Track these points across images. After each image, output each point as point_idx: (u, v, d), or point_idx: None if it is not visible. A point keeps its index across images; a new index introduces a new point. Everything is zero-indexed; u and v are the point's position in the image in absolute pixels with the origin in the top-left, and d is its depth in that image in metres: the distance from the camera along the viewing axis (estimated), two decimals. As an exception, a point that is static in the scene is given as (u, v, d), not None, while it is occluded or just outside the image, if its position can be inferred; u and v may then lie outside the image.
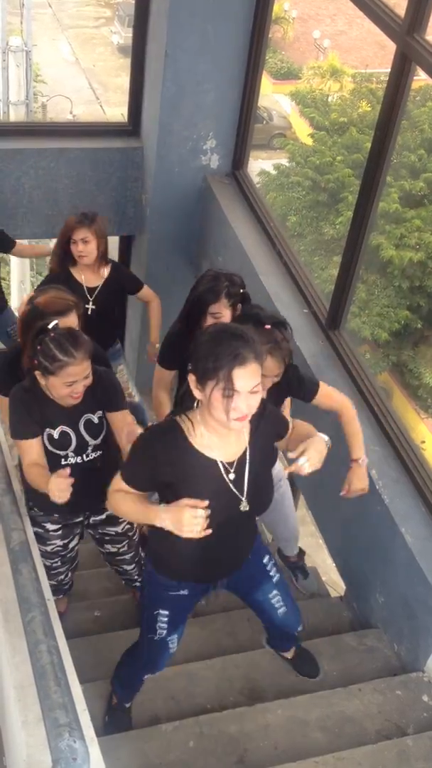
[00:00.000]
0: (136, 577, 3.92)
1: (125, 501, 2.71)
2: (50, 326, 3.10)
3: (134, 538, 3.76)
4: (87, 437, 3.31)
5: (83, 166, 5.61)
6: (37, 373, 3.12)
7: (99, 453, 3.36)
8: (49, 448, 3.28)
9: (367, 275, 15.55)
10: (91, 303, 4.49)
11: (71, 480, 3.00)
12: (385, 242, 15.41)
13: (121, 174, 5.71)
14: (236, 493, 2.66)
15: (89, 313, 4.40)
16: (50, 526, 3.50)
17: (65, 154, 5.55)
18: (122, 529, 3.67)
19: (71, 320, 3.39)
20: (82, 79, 24.97)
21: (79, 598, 4.27)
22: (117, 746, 3.29)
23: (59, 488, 2.98)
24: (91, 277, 4.52)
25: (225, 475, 2.63)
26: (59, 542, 3.56)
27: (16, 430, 3.24)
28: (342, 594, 4.43)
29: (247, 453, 2.66)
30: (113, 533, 3.67)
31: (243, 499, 2.67)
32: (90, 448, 3.33)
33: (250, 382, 2.42)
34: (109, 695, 3.53)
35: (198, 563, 2.82)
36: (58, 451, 3.30)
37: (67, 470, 3.03)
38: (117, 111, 19.19)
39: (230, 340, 2.43)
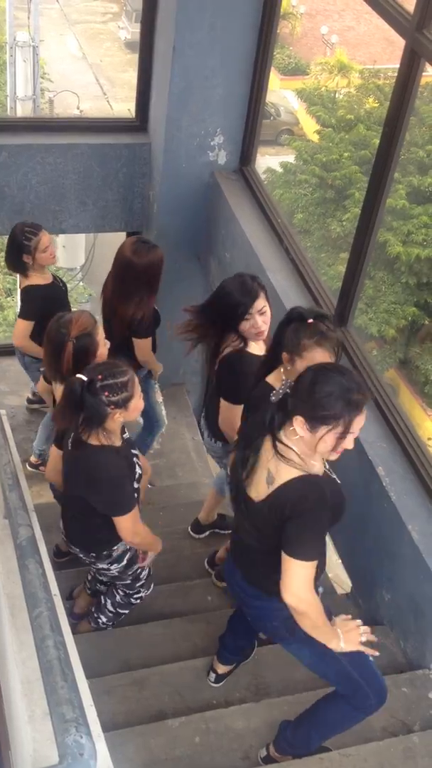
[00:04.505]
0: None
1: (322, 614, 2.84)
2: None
3: None
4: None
5: (90, 161, 5.60)
6: None
7: None
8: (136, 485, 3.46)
9: (374, 272, 15.53)
10: None
11: None
12: (392, 239, 15.40)
13: (129, 170, 5.70)
14: None
15: None
16: None
17: (72, 149, 5.54)
18: None
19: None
20: (90, 74, 24.95)
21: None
22: (123, 742, 3.30)
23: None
24: None
25: None
26: None
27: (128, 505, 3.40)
28: (348, 591, 4.43)
29: None
30: None
31: None
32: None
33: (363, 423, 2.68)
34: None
35: None
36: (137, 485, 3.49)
37: None
38: (124, 106, 19.19)
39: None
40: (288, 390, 2.74)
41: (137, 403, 3.26)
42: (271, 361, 3.39)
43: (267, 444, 2.77)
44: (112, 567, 3.62)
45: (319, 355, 3.20)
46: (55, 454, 3.67)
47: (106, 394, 3.14)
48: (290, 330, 3.26)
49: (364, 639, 2.92)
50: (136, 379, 3.28)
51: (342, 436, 2.64)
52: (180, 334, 3.91)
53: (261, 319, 3.70)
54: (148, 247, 4.31)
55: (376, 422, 4.04)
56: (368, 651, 2.94)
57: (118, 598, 3.88)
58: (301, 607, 2.74)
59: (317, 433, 2.64)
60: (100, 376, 3.16)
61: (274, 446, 2.72)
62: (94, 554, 3.56)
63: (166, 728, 3.42)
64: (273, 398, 2.82)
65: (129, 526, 3.37)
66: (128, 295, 4.33)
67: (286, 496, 2.71)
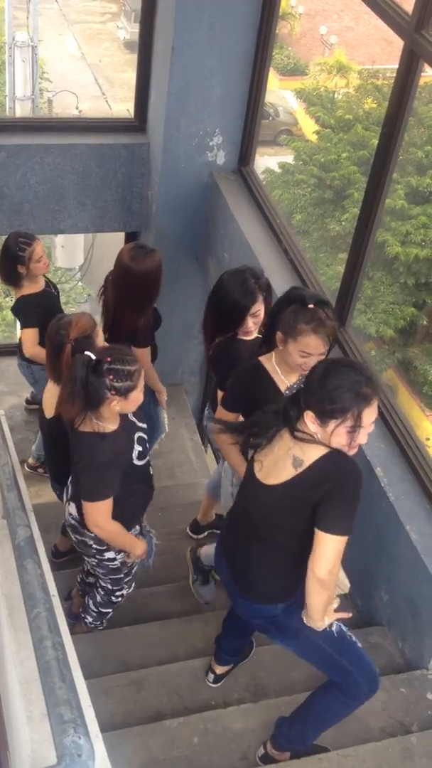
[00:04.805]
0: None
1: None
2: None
3: None
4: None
5: (89, 161, 5.60)
6: None
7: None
8: (137, 463, 3.43)
9: (372, 272, 15.54)
10: None
11: None
12: (390, 239, 15.41)
13: (127, 170, 5.70)
14: None
15: None
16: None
17: (71, 149, 5.54)
18: None
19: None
20: (88, 74, 24.92)
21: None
22: (121, 742, 3.30)
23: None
24: None
25: None
26: None
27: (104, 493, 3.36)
28: (346, 591, 4.43)
29: None
30: None
31: None
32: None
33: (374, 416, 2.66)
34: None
35: None
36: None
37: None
38: (123, 107, 19.15)
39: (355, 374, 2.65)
40: (302, 385, 2.74)
41: (137, 396, 3.23)
42: (268, 342, 3.41)
43: (285, 435, 2.76)
44: (119, 555, 3.62)
45: (314, 342, 3.20)
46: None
47: (111, 377, 3.10)
48: (289, 311, 3.25)
49: (335, 605, 2.91)
50: (143, 372, 3.27)
51: (353, 430, 2.63)
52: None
53: (252, 320, 3.72)
54: (146, 252, 4.31)
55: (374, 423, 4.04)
56: (343, 615, 2.94)
57: (98, 597, 3.89)
58: (328, 579, 2.72)
59: (327, 427, 2.63)
60: (108, 359, 3.12)
61: (294, 435, 2.71)
62: None
63: (164, 729, 3.42)
64: (287, 392, 2.82)
65: (91, 514, 3.34)
66: (129, 301, 4.34)
67: (321, 473, 2.68)
